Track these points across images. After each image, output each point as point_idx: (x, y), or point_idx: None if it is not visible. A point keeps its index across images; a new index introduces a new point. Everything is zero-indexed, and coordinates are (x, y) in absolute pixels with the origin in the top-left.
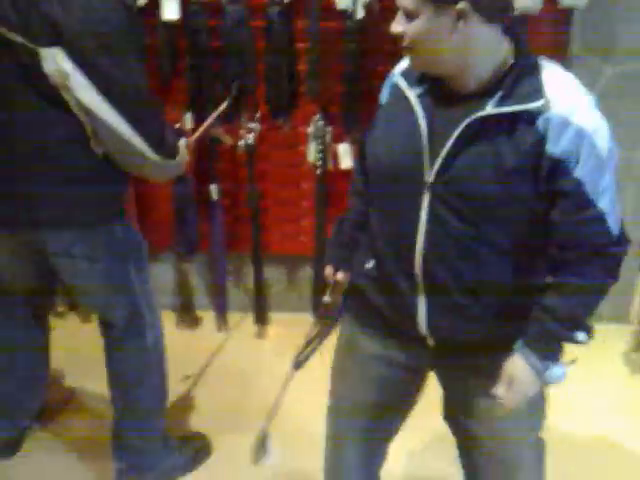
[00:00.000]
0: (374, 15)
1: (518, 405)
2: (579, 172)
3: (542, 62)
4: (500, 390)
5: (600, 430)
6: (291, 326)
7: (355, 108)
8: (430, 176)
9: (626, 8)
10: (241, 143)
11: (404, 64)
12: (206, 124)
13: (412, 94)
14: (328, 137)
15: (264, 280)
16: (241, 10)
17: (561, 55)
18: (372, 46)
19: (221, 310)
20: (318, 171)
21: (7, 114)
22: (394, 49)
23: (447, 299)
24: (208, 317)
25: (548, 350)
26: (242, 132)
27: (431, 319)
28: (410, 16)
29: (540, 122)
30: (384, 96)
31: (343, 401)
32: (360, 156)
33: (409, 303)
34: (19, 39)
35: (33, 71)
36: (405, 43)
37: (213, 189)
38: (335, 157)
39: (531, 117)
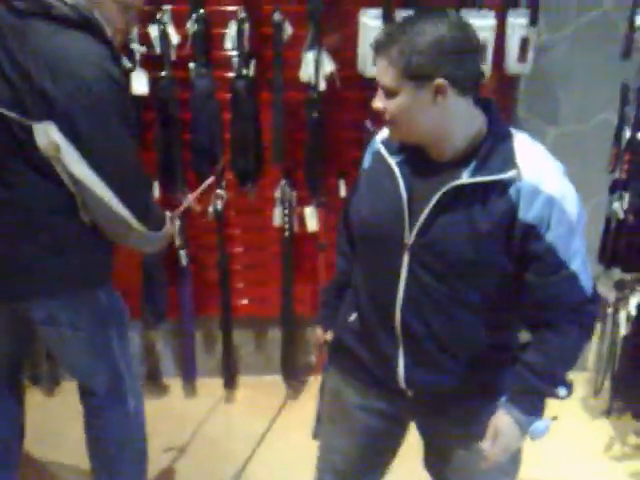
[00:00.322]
0: (335, 86)
1: (500, 458)
2: (550, 236)
3: (512, 131)
4: (485, 444)
5: (566, 477)
6: (260, 389)
7: (319, 173)
8: (410, 238)
9: (564, 76)
10: (210, 209)
11: (385, 133)
12: (192, 197)
13: (393, 162)
14: (293, 201)
15: (232, 343)
16: (209, 83)
17: (508, 118)
18: (334, 115)
19: (190, 376)
20: (286, 233)
21: None
22: (353, 117)
23: (423, 352)
24: (175, 384)
25: (532, 406)
26: (211, 198)
27: (408, 371)
28: (390, 93)
29: (512, 191)
30: (366, 161)
31: (330, 452)
32: (344, 218)
33: (389, 355)
34: (12, 114)
35: (25, 144)
36: (387, 117)
37: (182, 255)
38: (301, 220)
39: (503, 186)
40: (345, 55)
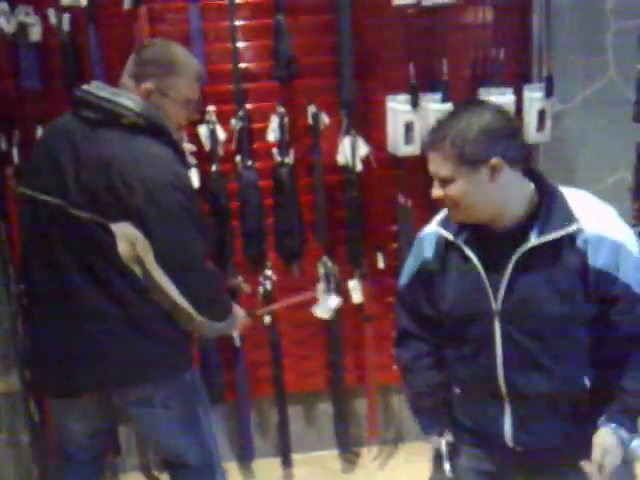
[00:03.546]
0: (368, 166)
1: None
2: (623, 277)
3: (561, 189)
4: (594, 466)
5: None
6: (316, 464)
7: (359, 247)
8: (496, 305)
9: (578, 142)
10: (260, 290)
11: (437, 219)
12: (281, 305)
13: (461, 242)
14: (337, 275)
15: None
16: (254, 173)
17: None
18: (368, 193)
19: (248, 458)
20: None
21: (76, 282)
22: (386, 194)
23: (528, 409)
24: (232, 466)
25: (631, 424)
26: (260, 280)
27: (515, 429)
28: (447, 181)
29: (579, 241)
30: (427, 250)
31: None
32: (403, 307)
33: (496, 417)
34: (92, 216)
35: (104, 242)
36: (448, 203)
37: (235, 336)
38: (345, 293)
39: (570, 239)
40: (376, 137)
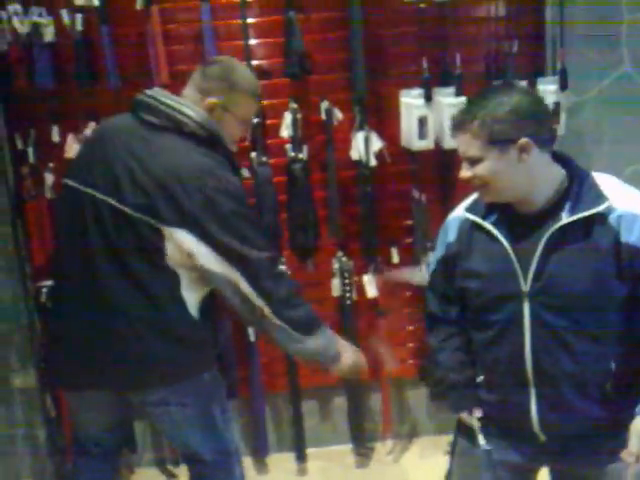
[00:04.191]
0: (382, 161)
1: None
2: None
3: (590, 173)
4: (631, 455)
5: None
6: (330, 459)
7: (373, 242)
8: (526, 286)
9: (594, 134)
10: None
11: (464, 204)
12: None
13: (488, 224)
14: (351, 271)
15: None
16: (268, 169)
17: None
18: (382, 187)
19: (262, 452)
20: (347, 302)
21: (107, 278)
22: (400, 188)
23: (555, 392)
24: (246, 461)
25: None
26: None
27: (541, 413)
28: (476, 162)
29: (612, 219)
30: (451, 235)
31: None
32: (432, 293)
33: (521, 402)
34: (145, 217)
35: (152, 245)
36: (477, 183)
37: (250, 332)
38: (359, 288)
39: (602, 217)
40: (390, 132)
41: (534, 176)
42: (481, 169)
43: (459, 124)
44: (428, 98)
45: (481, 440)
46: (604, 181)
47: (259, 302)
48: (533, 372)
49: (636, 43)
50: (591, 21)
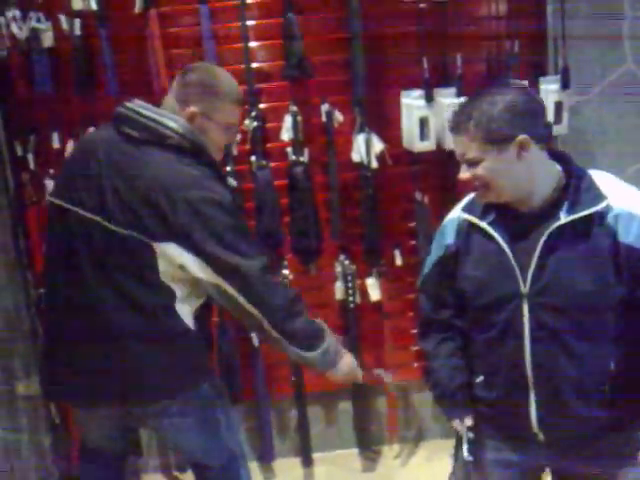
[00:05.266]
0: (383, 163)
1: None
2: None
3: (588, 171)
4: None
5: None
6: (336, 463)
7: (376, 245)
8: (525, 287)
9: (597, 132)
10: None
11: (461, 204)
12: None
13: (485, 224)
14: (354, 274)
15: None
16: (269, 173)
17: None
18: (384, 189)
19: (268, 458)
20: (351, 305)
21: (99, 295)
22: (402, 191)
23: (554, 392)
24: (252, 467)
25: None
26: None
27: (541, 413)
28: (475, 163)
29: (610, 219)
30: (449, 237)
31: None
32: (426, 296)
33: (520, 402)
34: (133, 233)
35: (141, 260)
36: (477, 184)
37: (254, 336)
38: (362, 292)
39: (600, 217)
40: (391, 134)
41: (533, 174)
42: (481, 170)
43: (454, 126)
44: (429, 99)
45: (465, 451)
46: (602, 179)
47: (254, 312)
48: (532, 372)
49: (638, 40)
50: (592, 18)
